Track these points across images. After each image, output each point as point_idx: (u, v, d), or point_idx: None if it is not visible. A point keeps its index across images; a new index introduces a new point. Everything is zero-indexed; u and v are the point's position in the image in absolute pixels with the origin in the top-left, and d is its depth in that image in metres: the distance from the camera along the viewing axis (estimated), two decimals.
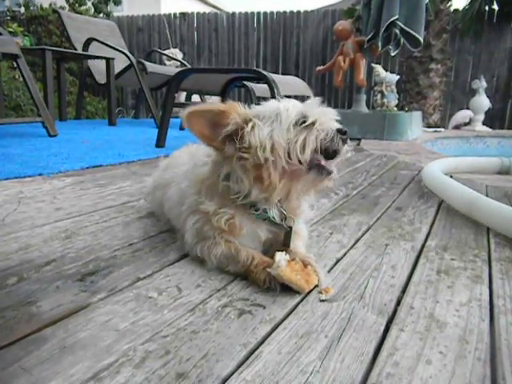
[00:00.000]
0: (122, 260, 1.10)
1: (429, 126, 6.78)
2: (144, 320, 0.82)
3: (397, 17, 4.57)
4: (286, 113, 1.00)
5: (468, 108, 7.06)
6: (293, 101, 1.06)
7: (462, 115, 7.02)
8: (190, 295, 0.93)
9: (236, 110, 1.00)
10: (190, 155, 1.28)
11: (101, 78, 5.22)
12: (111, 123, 4.99)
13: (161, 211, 1.37)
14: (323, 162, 1.00)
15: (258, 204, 1.05)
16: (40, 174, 2.08)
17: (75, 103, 6.28)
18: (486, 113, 7.05)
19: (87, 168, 2.32)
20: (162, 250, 1.19)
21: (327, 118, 1.03)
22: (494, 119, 7.57)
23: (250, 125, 0.98)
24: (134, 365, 0.68)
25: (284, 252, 0.99)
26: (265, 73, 2.78)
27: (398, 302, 0.93)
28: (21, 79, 6.26)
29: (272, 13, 8.72)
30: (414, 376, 0.68)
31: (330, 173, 1.01)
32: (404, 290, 0.99)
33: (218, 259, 1.04)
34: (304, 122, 0.99)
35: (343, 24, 5.27)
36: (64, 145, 3.10)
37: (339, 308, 0.89)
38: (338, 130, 1.00)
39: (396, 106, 5.26)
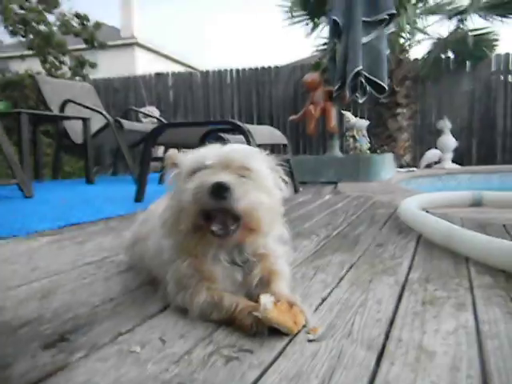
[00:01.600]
0: (103, 316, 1.06)
1: (401, 167, 7.01)
2: (127, 376, 0.78)
3: (361, 67, 4.86)
4: (182, 166, 1.04)
5: (436, 147, 7.38)
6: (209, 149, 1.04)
7: (432, 154, 7.31)
8: (174, 346, 0.89)
9: (172, 159, 1.09)
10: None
11: (77, 138, 5.28)
12: (89, 181, 4.98)
13: (141, 264, 1.34)
14: (212, 226, 0.96)
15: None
16: (14, 236, 2.03)
17: (52, 164, 6.27)
18: (455, 151, 7.37)
19: (64, 226, 2.28)
20: (144, 302, 1.16)
21: (214, 172, 0.96)
22: (462, 157, 7.92)
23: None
24: None
25: (269, 294, 0.98)
26: (240, 123, 2.87)
27: (387, 336, 0.92)
28: None
29: (244, 69, 9.15)
30: None
31: (220, 236, 0.97)
32: (391, 324, 0.98)
33: (200, 307, 1.02)
34: (193, 172, 0.99)
35: (312, 76, 5.56)
36: (40, 205, 3.05)
37: (328, 347, 0.88)
38: (211, 188, 0.91)
39: (368, 149, 5.45)
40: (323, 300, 1.15)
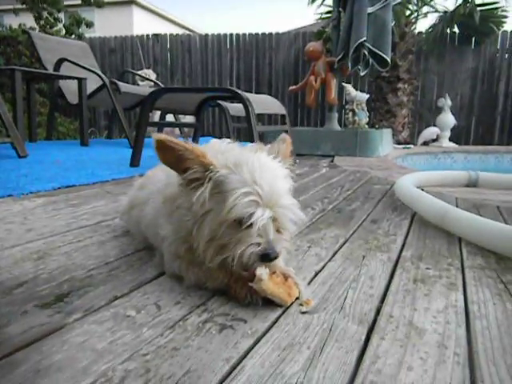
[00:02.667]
0: (98, 279, 1.07)
1: (399, 143, 6.99)
2: (122, 339, 0.79)
3: (365, 38, 4.74)
4: (231, 204, 0.90)
5: (435, 125, 7.34)
6: (256, 172, 0.94)
7: (430, 132, 7.28)
8: (169, 312, 0.91)
9: (200, 159, 0.96)
10: (166, 173, 1.27)
11: (72, 99, 5.16)
12: (84, 144, 4.91)
13: (137, 230, 1.34)
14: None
15: None
16: (9, 195, 2.02)
17: (46, 124, 6.16)
18: (452, 129, 7.34)
19: (59, 188, 2.27)
20: (139, 267, 1.16)
21: (271, 225, 0.94)
22: (459, 136, 7.91)
23: (205, 187, 0.95)
24: None
25: (264, 266, 0.99)
26: (239, 91, 2.81)
27: (378, 312, 0.94)
28: None
29: (244, 34, 8.91)
30: (396, 382, 0.68)
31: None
32: (383, 300, 1.00)
33: (196, 276, 1.03)
34: (240, 223, 0.92)
35: (314, 45, 5.43)
36: (34, 165, 3.02)
37: (320, 319, 0.89)
38: (262, 257, 0.92)
39: (367, 123, 5.41)
40: (317, 274, 1.16)
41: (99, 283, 1.05)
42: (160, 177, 1.29)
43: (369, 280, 1.12)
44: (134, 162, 2.96)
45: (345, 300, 0.99)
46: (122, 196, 1.61)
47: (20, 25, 8.79)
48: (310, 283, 1.09)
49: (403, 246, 1.44)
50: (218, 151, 1.03)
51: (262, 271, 0.95)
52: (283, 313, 0.92)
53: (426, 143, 7.38)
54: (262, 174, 0.95)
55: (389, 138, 5.81)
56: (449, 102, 7.04)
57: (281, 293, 0.93)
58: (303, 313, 0.92)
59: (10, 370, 0.69)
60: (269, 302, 0.94)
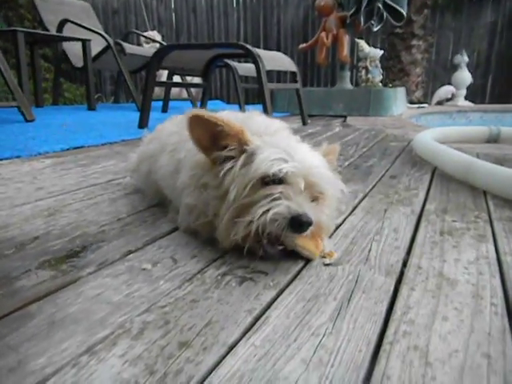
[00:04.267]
0: (111, 235, 1.03)
1: (412, 103, 6.78)
2: (139, 292, 0.76)
3: None
4: (257, 164, 0.85)
5: (450, 84, 7.08)
6: (292, 148, 0.89)
7: (445, 91, 7.03)
8: (186, 265, 0.87)
9: (240, 136, 0.89)
10: (178, 124, 1.21)
11: (77, 62, 5.03)
12: (90, 108, 4.83)
13: (148, 183, 1.29)
14: (265, 244, 0.87)
15: None
16: (18, 157, 1.98)
17: (52, 90, 6.06)
18: (468, 88, 7.08)
19: (67, 150, 2.22)
20: (153, 223, 1.12)
21: (295, 193, 0.84)
22: (475, 94, 7.62)
23: (237, 161, 0.88)
24: (131, 336, 0.62)
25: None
26: (249, 47, 2.69)
27: (405, 264, 0.89)
28: None
29: None
30: (431, 333, 0.64)
31: (268, 256, 0.88)
32: (409, 252, 0.95)
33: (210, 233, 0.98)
34: (267, 183, 0.85)
35: (325, 0, 5.16)
36: (42, 129, 2.97)
37: (345, 271, 0.85)
38: (293, 220, 0.81)
39: (380, 81, 5.21)
40: (337, 227, 1.11)
41: (112, 238, 1.01)
42: (171, 129, 1.23)
43: (393, 232, 1.07)
44: (143, 123, 2.89)
45: (369, 252, 0.95)
46: (131, 154, 1.55)
47: None
48: (331, 236, 1.04)
49: (426, 199, 1.38)
50: (261, 132, 0.97)
51: None
52: (305, 265, 0.88)
53: (440, 103, 7.14)
54: (298, 152, 0.88)
55: (403, 97, 5.63)
56: (466, 59, 6.74)
57: (309, 245, 0.89)
58: (326, 265, 0.88)
59: (24, 322, 0.66)
60: (289, 256, 0.90)
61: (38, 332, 0.63)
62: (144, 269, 0.85)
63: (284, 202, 0.82)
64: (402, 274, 0.85)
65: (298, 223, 0.81)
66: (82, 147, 2.30)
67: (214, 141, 0.90)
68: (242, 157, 0.89)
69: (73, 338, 0.62)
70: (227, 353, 0.59)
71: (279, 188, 0.84)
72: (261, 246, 0.88)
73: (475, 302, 0.73)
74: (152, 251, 0.94)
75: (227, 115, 1.08)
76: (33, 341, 0.61)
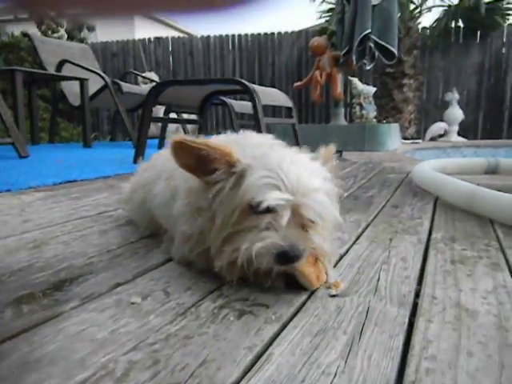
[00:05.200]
0: (99, 267, 0.96)
1: (405, 139, 6.86)
2: (126, 328, 0.68)
3: (370, 30, 4.64)
4: (244, 189, 0.79)
5: (442, 120, 7.20)
6: (285, 169, 0.80)
7: (438, 127, 7.15)
8: (179, 298, 0.79)
9: (228, 158, 0.83)
10: None
11: (74, 100, 5.08)
12: (87, 145, 4.82)
13: (141, 214, 1.23)
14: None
15: None
16: (8, 190, 1.92)
17: (48, 129, 6.09)
18: (460, 124, 7.20)
19: (60, 183, 2.16)
20: (145, 254, 1.05)
21: (285, 222, 0.77)
22: (467, 130, 7.75)
23: (227, 183, 0.83)
24: (115, 378, 0.54)
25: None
26: (246, 83, 2.71)
27: (417, 294, 0.82)
28: None
29: (246, 35, 8.83)
30: (457, 370, 0.56)
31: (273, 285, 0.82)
32: (420, 282, 0.89)
33: (208, 264, 0.91)
34: (257, 211, 0.78)
35: (318, 40, 5.33)
36: (35, 164, 2.93)
37: (354, 302, 0.78)
38: (279, 256, 0.75)
39: (374, 117, 5.28)
40: (341, 256, 1.05)
41: (100, 270, 0.93)
42: (167, 156, 1.18)
43: (401, 262, 1.00)
44: (138, 157, 2.85)
45: (378, 282, 0.88)
46: (123, 184, 1.49)
47: (22, 32, 8.77)
48: (335, 266, 0.98)
49: (431, 228, 1.32)
50: (256, 147, 0.91)
51: None
52: (309, 297, 0.81)
53: (433, 139, 7.24)
54: (291, 165, 0.81)
55: (397, 133, 5.69)
56: (456, 96, 6.91)
57: (310, 273, 0.82)
58: (333, 296, 0.81)
59: None
60: (291, 287, 0.83)
61: (7, 375, 0.55)
62: (133, 303, 0.77)
63: (269, 236, 0.76)
64: (415, 304, 0.77)
65: (285, 259, 0.75)
66: (74, 181, 2.25)
67: (202, 165, 0.85)
68: (232, 178, 0.83)
69: (47, 382, 0.54)
70: None
71: (267, 218, 0.78)
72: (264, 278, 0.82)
73: (500, 334, 0.66)
74: (142, 284, 0.86)
75: (220, 138, 1.04)
76: None
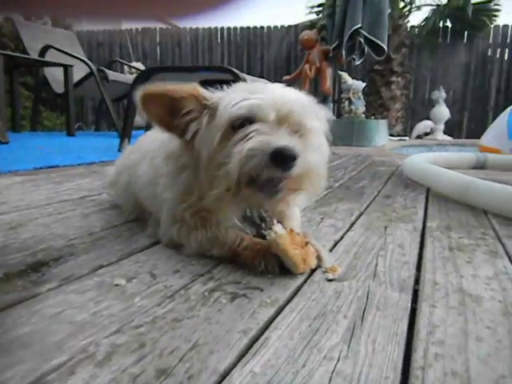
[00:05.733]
0: (80, 249, 0.90)
1: (392, 136, 6.88)
2: (109, 310, 0.62)
3: (360, 25, 4.61)
4: (221, 112, 0.78)
5: (429, 119, 7.25)
6: (259, 89, 0.80)
7: (424, 125, 7.19)
8: (167, 281, 0.74)
9: (197, 96, 0.81)
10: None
11: (58, 87, 4.93)
12: (70, 134, 4.68)
13: (127, 197, 1.17)
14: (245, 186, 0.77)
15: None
16: None
17: (30, 117, 5.91)
18: (446, 123, 7.26)
19: (41, 168, 2.07)
20: (130, 238, 0.99)
21: (281, 128, 0.75)
22: (452, 129, 7.82)
23: (201, 120, 0.81)
24: (95, 362, 0.49)
25: (281, 226, 0.83)
26: (236, 71, 2.65)
27: (417, 280, 0.79)
28: None
29: (236, 28, 8.73)
30: (468, 355, 0.52)
31: (272, 194, 0.77)
32: (419, 268, 0.85)
33: (198, 242, 0.86)
34: (239, 127, 0.75)
35: (308, 34, 5.29)
36: (16, 150, 2.81)
37: (352, 287, 0.74)
38: (274, 154, 0.70)
39: (363, 113, 5.27)
40: (336, 243, 1.01)
41: (81, 252, 0.87)
42: (154, 136, 1.12)
43: (398, 248, 0.97)
44: (123, 143, 2.77)
45: (376, 267, 0.84)
46: (108, 167, 1.43)
47: (4, 17, 8.50)
48: (331, 251, 0.93)
49: (426, 217, 1.29)
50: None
51: (279, 228, 0.79)
52: (306, 281, 0.76)
53: (419, 136, 7.28)
54: (268, 88, 0.81)
55: (385, 129, 5.69)
56: (443, 95, 6.96)
57: (296, 254, 0.77)
58: (330, 280, 0.76)
59: None
60: (287, 272, 0.78)
61: None
62: (117, 284, 0.71)
63: (259, 137, 0.72)
64: (416, 290, 0.74)
65: (281, 157, 0.70)
66: (57, 167, 2.16)
67: (173, 112, 0.82)
68: (205, 113, 0.81)
69: (19, 366, 0.48)
70: (219, 382, 0.46)
71: (252, 127, 0.74)
72: (258, 256, 0.78)
73: (508, 320, 0.63)
74: (127, 266, 0.81)
75: None
76: None
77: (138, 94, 0.79)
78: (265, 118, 0.75)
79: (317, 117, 0.84)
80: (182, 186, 0.87)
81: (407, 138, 6.79)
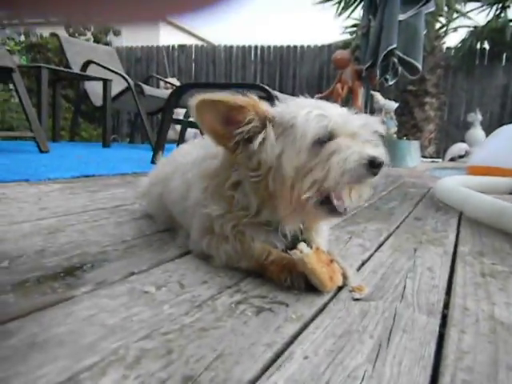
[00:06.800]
0: (113, 256, 0.93)
1: (425, 157, 6.75)
2: (139, 316, 0.64)
3: (395, 46, 4.60)
4: (302, 127, 0.79)
5: (463, 141, 7.09)
6: (321, 105, 0.85)
7: (459, 148, 7.03)
8: (195, 291, 0.76)
9: (256, 107, 0.82)
10: (197, 145, 1.13)
11: (97, 100, 5.15)
12: (105, 145, 4.86)
13: (158, 209, 1.21)
14: (334, 201, 0.82)
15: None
16: (26, 180, 1.92)
17: (69, 128, 6.18)
18: None
19: (78, 177, 2.16)
20: (160, 247, 1.02)
21: (358, 140, 0.82)
22: None
23: (266, 132, 0.81)
24: (125, 365, 0.51)
25: (306, 244, 0.83)
26: (268, 88, 2.69)
27: (446, 305, 0.77)
28: (14, 100, 6.20)
29: (269, 47, 8.89)
30: None
31: (339, 214, 0.84)
32: (448, 293, 0.83)
33: (227, 254, 0.88)
34: (325, 142, 0.79)
35: (342, 53, 5.31)
36: (55, 159, 2.94)
37: (379, 307, 0.73)
38: (371, 163, 0.77)
39: (394, 133, 5.22)
40: (363, 262, 1.00)
41: (114, 259, 0.91)
42: (189, 150, 1.16)
43: (427, 271, 0.95)
44: (156, 157, 2.85)
45: (404, 289, 0.83)
46: (142, 177, 1.48)
47: (50, 33, 8.99)
48: (358, 271, 0.93)
49: (457, 241, 1.26)
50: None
51: (305, 246, 0.80)
52: (331, 299, 0.76)
53: (453, 159, 7.11)
54: (325, 106, 0.85)
55: (417, 150, 5.60)
56: (479, 117, 6.80)
57: (323, 273, 0.77)
58: (356, 300, 0.76)
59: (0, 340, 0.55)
60: (313, 289, 0.79)
61: (13, 353, 0.52)
62: (147, 292, 0.74)
63: (350, 149, 0.78)
64: (445, 315, 0.72)
65: (375, 164, 0.78)
66: (93, 176, 2.25)
67: (228, 122, 0.82)
68: (270, 126, 0.81)
69: (54, 364, 0.50)
70: None
71: (338, 141, 0.80)
72: (285, 271, 0.80)
73: None
74: (157, 274, 0.83)
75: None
76: (6, 363, 0.50)
77: (194, 101, 0.79)
78: (345, 133, 0.81)
79: (377, 130, 0.89)
80: (226, 202, 0.88)
81: (440, 160, 6.64)
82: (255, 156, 0.82)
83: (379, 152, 0.80)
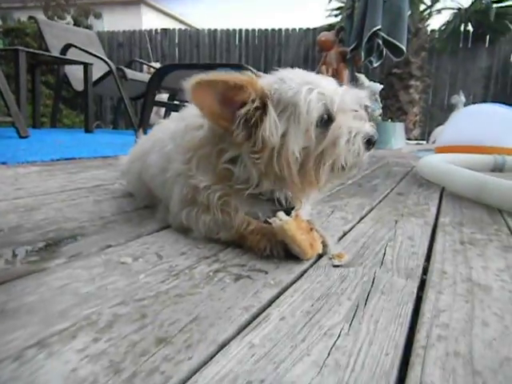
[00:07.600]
0: (91, 230, 0.91)
1: (409, 140, 6.80)
2: (114, 284, 0.63)
3: (379, 27, 4.58)
4: (305, 107, 0.77)
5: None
6: (314, 79, 0.83)
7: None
8: (172, 262, 0.75)
9: (254, 85, 0.78)
10: (176, 118, 1.10)
11: (78, 85, 5.02)
12: (88, 131, 4.77)
13: (138, 186, 1.18)
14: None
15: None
16: (3, 163, 1.87)
17: (50, 114, 6.04)
18: None
19: (58, 160, 2.11)
20: (139, 222, 1.00)
21: (357, 116, 0.85)
22: None
23: (268, 111, 0.79)
24: (97, 329, 0.50)
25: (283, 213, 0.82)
26: (252, 69, 2.65)
27: (425, 271, 0.77)
28: None
29: (254, 30, 8.77)
30: (472, 337, 0.51)
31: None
32: (428, 259, 0.84)
33: (207, 226, 0.87)
34: (327, 121, 0.80)
35: (326, 35, 5.27)
36: (35, 143, 2.87)
37: (358, 273, 0.73)
38: (368, 141, 0.82)
39: (379, 115, 5.23)
40: (345, 233, 1.00)
41: (91, 233, 0.89)
42: (167, 125, 1.13)
43: (408, 240, 0.96)
44: (138, 134, 2.80)
45: (384, 256, 0.83)
46: (122, 156, 1.45)
47: (29, 17, 8.73)
48: (339, 241, 0.93)
49: (438, 213, 1.27)
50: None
51: (284, 214, 0.79)
52: (311, 265, 0.76)
53: None
54: (321, 82, 0.83)
55: (402, 133, 5.63)
56: (463, 99, 6.83)
57: (303, 240, 0.76)
58: (336, 266, 0.76)
59: None
60: (293, 257, 0.78)
61: None
62: (123, 263, 0.72)
63: (353, 127, 0.81)
64: (423, 280, 0.73)
65: (371, 143, 0.83)
66: (73, 158, 2.20)
67: (226, 102, 0.78)
68: (270, 105, 0.79)
69: (23, 330, 0.49)
70: (217, 351, 0.46)
71: (339, 122, 0.80)
72: (264, 240, 0.80)
73: None
74: (134, 247, 0.82)
75: None
76: None
77: (190, 82, 0.75)
78: (342, 110, 0.82)
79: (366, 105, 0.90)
80: (214, 174, 0.87)
81: (425, 142, 6.70)
82: (255, 135, 0.79)
83: (373, 130, 0.83)
